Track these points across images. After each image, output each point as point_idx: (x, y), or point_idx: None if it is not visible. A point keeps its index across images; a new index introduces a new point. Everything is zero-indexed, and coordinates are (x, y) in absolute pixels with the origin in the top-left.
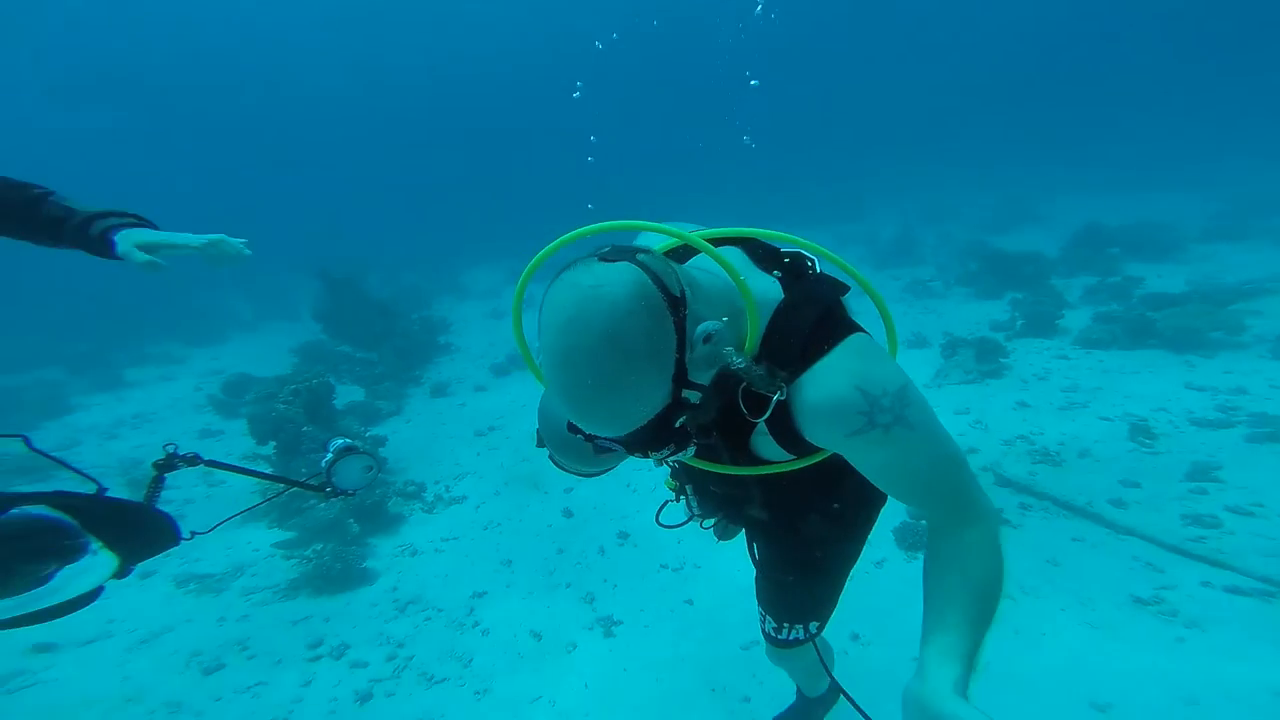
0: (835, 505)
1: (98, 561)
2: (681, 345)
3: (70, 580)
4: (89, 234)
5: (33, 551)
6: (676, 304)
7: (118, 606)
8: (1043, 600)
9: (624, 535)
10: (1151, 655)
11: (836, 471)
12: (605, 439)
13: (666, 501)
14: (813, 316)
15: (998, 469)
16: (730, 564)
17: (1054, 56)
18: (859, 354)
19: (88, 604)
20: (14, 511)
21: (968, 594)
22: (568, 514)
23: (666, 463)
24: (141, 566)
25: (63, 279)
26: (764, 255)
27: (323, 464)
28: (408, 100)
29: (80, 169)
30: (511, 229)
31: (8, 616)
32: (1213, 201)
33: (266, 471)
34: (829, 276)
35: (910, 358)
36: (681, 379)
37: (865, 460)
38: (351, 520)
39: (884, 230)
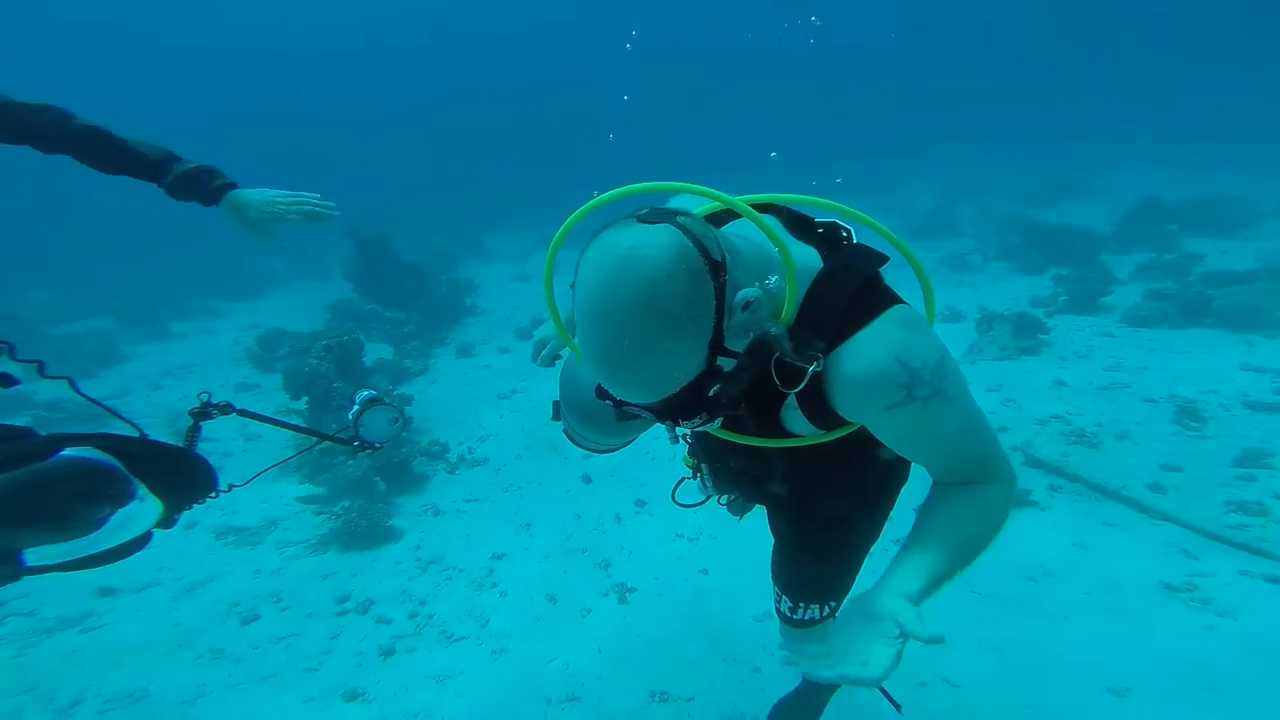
0: (857, 482)
1: (144, 507)
2: (720, 311)
3: (123, 524)
4: (209, 186)
5: (87, 494)
6: (717, 269)
7: (165, 555)
8: (1066, 583)
9: (641, 503)
10: (1177, 642)
11: (861, 447)
12: (635, 406)
13: (683, 478)
14: (852, 287)
15: (1029, 449)
16: (745, 536)
17: (1112, 14)
18: (900, 325)
19: (139, 549)
20: (65, 452)
21: (956, 530)
22: (586, 480)
23: (685, 439)
24: (185, 517)
25: (116, 235)
26: (797, 224)
27: (349, 416)
28: (435, 61)
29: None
30: (537, 194)
31: (73, 558)
32: None
33: (298, 424)
34: (867, 247)
35: (943, 332)
36: (718, 346)
37: (897, 433)
38: (378, 478)
39: (920, 201)
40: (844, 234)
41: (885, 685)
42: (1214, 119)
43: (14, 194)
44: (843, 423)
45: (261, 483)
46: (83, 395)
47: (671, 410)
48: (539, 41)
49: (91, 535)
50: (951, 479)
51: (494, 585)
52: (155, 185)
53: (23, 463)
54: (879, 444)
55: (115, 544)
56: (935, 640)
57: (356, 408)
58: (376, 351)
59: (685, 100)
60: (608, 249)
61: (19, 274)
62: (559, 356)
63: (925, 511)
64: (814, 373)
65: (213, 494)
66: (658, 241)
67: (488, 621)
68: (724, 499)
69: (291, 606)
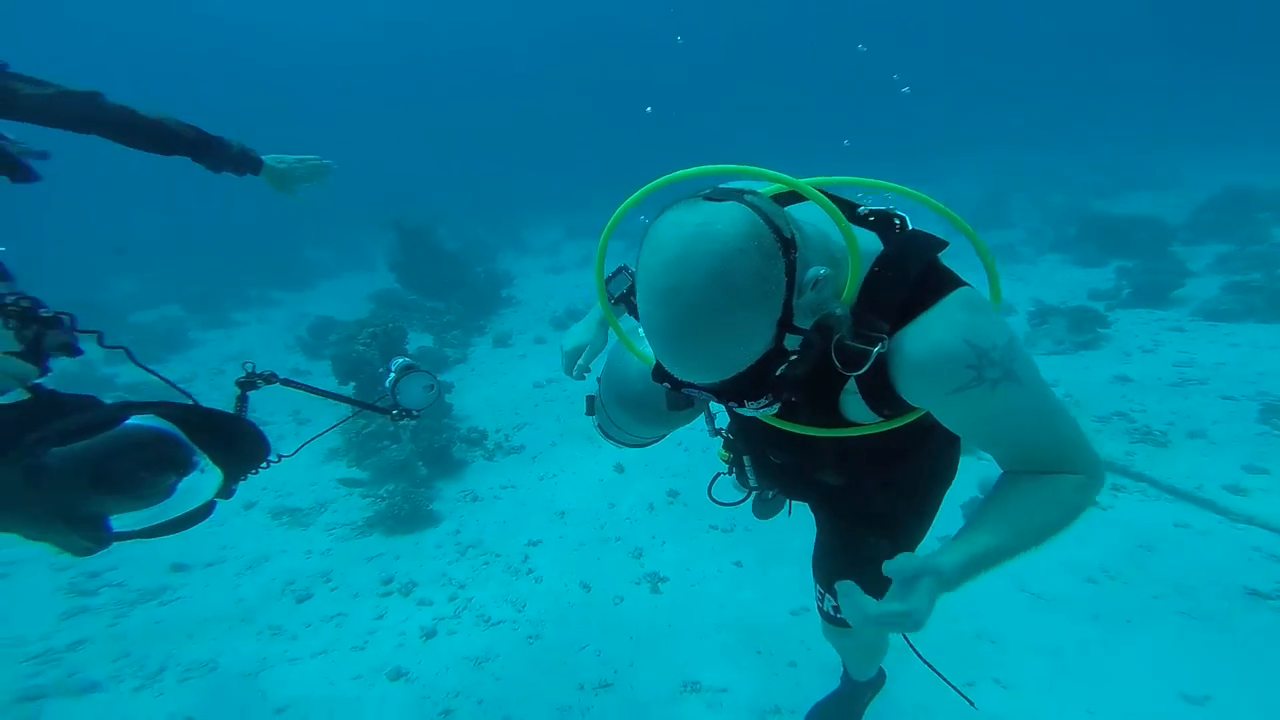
0: (907, 478)
1: (206, 475)
2: (791, 288)
3: (188, 492)
4: (248, 158)
5: (155, 462)
6: (788, 246)
7: (228, 533)
8: (1130, 586)
9: (674, 493)
10: (1265, 649)
11: (916, 441)
12: (697, 387)
13: (719, 474)
14: (917, 269)
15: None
16: (782, 529)
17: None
18: (966, 307)
19: (204, 518)
20: (132, 420)
21: (1015, 512)
22: (619, 469)
23: (724, 433)
24: (243, 496)
25: (181, 229)
26: (846, 209)
27: (386, 384)
28: (471, 52)
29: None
30: (569, 186)
31: (152, 525)
32: None
33: (338, 393)
34: (925, 232)
35: None
36: (787, 323)
37: (966, 417)
38: (420, 463)
39: (968, 191)
40: (897, 220)
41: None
42: None
43: (108, 188)
44: (905, 409)
45: (312, 466)
46: (139, 364)
47: (735, 390)
48: (579, 35)
49: (163, 503)
50: (1024, 468)
51: (529, 571)
52: (191, 159)
53: (93, 431)
54: (931, 438)
55: (183, 512)
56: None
57: (393, 375)
58: (418, 340)
59: (731, 89)
60: (675, 226)
61: (107, 263)
62: (588, 370)
63: (990, 494)
64: (878, 355)
65: (265, 463)
66: (728, 218)
67: (524, 607)
68: (766, 495)
69: (340, 586)
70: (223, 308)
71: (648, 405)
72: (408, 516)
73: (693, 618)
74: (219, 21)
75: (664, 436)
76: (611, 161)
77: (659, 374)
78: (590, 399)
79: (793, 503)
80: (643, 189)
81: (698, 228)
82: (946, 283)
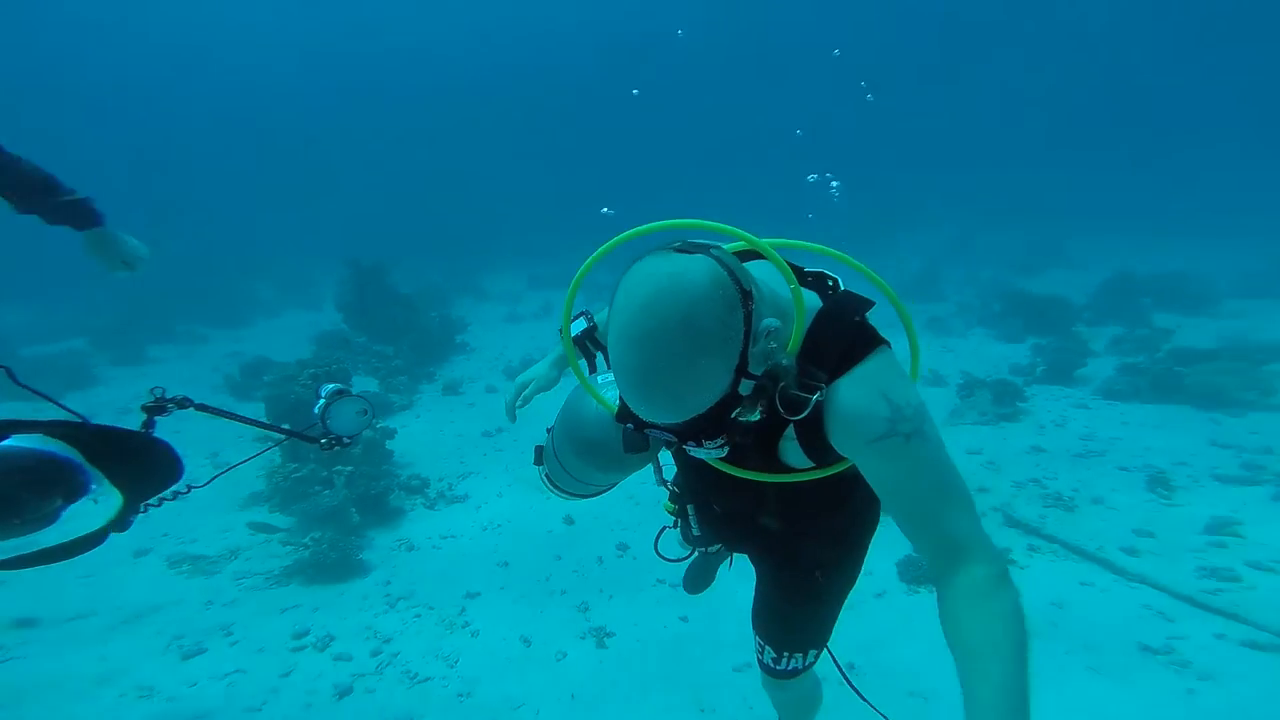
0: (841, 524)
1: (102, 498)
2: (748, 337)
3: (77, 517)
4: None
5: (39, 483)
6: (746, 297)
7: (104, 583)
8: (1047, 642)
9: (623, 547)
10: (1161, 705)
11: (846, 488)
12: (660, 427)
13: (665, 527)
14: (851, 326)
15: (1008, 509)
16: (728, 584)
17: (1094, 94)
18: (888, 366)
19: (94, 546)
20: (11, 440)
21: (1008, 645)
22: (569, 521)
23: (669, 486)
24: (135, 543)
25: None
26: (796, 270)
27: (315, 410)
28: (433, 95)
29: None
30: (531, 237)
31: (15, 555)
32: (1249, 257)
33: (262, 420)
34: (856, 293)
35: (926, 395)
36: (743, 370)
37: (881, 470)
38: (354, 509)
39: (908, 264)
40: (830, 281)
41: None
42: (1180, 199)
43: None
44: (835, 458)
45: (226, 511)
46: (22, 385)
47: (694, 430)
48: (543, 83)
49: (43, 530)
50: (931, 542)
51: (465, 625)
52: (23, 205)
53: None
54: (859, 487)
55: (67, 540)
56: None
57: (322, 401)
58: (362, 384)
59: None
60: (647, 275)
61: None
62: (528, 403)
63: (964, 634)
64: (816, 402)
65: (174, 494)
66: (696, 269)
67: (456, 662)
68: (711, 549)
69: (241, 640)
70: (138, 342)
71: (602, 449)
72: (333, 566)
73: (637, 674)
74: (173, 45)
75: (612, 486)
76: (577, 213)
77: (623, 414)
78: (539, 449)
79: (734, 556)
80: (615, 238)
81: (669, 276)
82: (874, 340)
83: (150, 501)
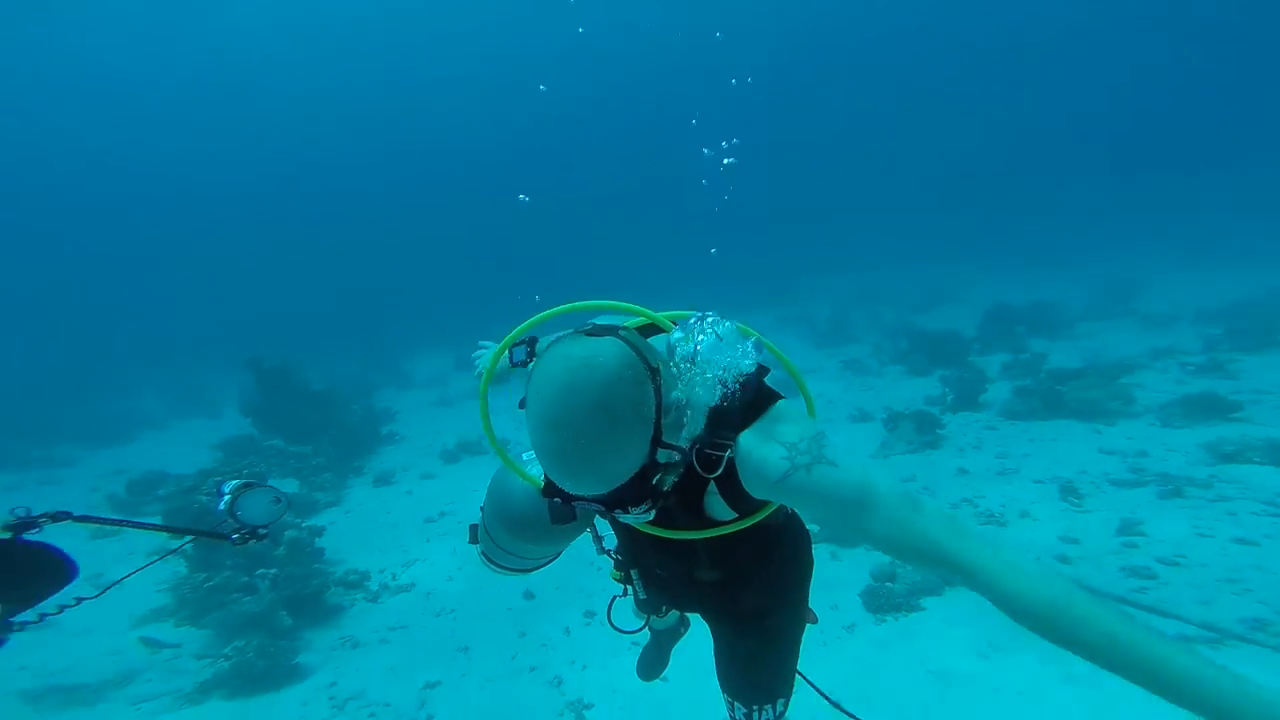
0: (772, 570)
1: None
2: (659, 409)
3: None
4: None
5: None
6: (654, 374)
7: None
8: (1015, 655)
9: (590, 614)
10: (1136, 704)
11: (773, 535)
12: (586, 499)
13: (615, 596)
14: (751, 389)
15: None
16: (704, 639)
17: (964, 151)
18: (779, 416)
19: None
20: None
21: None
22: (529, 595)
23: (611, 555)
24: None
25: None
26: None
27: (221, 506)
28: (346, 181)
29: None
30: (453, 315)
31: None
32: (1083, 284)
33: (157, 523)
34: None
35: (854, 431)
36: (658, 440)
37: (804, 505)
38: (284, 612)
39: (819, 311)
40: None
41: None
42: (1036, 233)
43: None
44: (755, 505)
45: (114, 633)
46: None
47: (620, 499)
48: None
49: None
50: (895, 553)
51: (429, 718)
52: None
53: None
54: (786, 534)
55: None
56: None
57: (227, 497)
58: (282, 486)
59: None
60: (561, 360)
61: None
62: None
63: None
64: (728, 459)
65: (69, 579)
66: (607, 351)
67: None
68: (663, 613)
69: None
70: None
71: (532, 523)
72: (262, 674)
73: None
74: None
75: (554, 558)
76: (499, 284)
77: (549, 489)
78: (473, 528)
79: (685, 630)
80: (523, 324)
81: (582, 360)
82: (770, 397)
83: (47, 610)
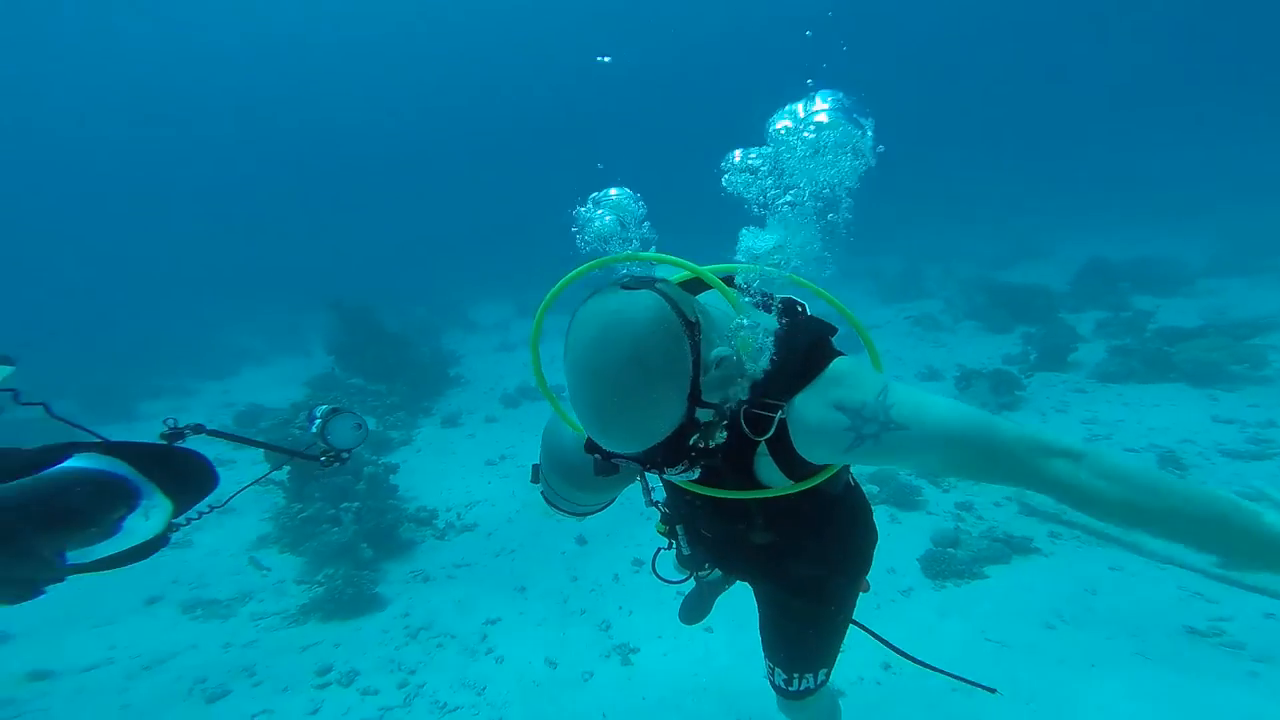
0: (826, 541)
1: (155, 507)
2: (697, 366)
3: (138, 526)
4: None
5: (104, 497)
6: (692, 328)
7: (120, 632)
8: (1085, 630)
9: (639, 562)
10: (1224, 688)
11: (829, 503)
12: (623, 456)
13: (660, 548)
14: (804, 346)
15: (1022, 498)
16: (748, 591)
17: (1045, 94)
18: (837, 376)
19: (157, 550)
20: (76, 458)
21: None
22: (581, 541)
23: (659, 507)
24: (146, 590)
25: (74, 312)
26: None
27: (313, 430)
28: (416, 133)
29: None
30: (517, 264)
31: (104, 557)
32: (1209, 236)
33: (267, 442)
34: (818, 318)
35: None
36: (696, 398)
37: (881, 463)
38: (365, 545)
39: (888, 265)
40: (800, 306)
41: None
42: (1144, 186)
43: None
44: (812, 470)
45: (235, 554)
46: (59, 419)
47: (656, 459)
48: (525, 109)
49: (113, 538)
50: (999, 482)
51: (489, 651)
52: None
53: (27, 472)
54: (844, 501)
55: (134, 544)
56: None
57: (319, 421)
58: None
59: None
60: (595, 313)
61: None
62: None
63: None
64: (780, 421)
65: (215, 486)
66: (640, 304)
67: (484, 690)
68: (704, 573)
69: (265, 681)
70: (127, 399)
71: (581, 472)
72: (349, 601)
73: (666, 688)
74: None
75: (609, 503)
76: (562, 236)
77: (590, 445)
78: (535, 467)
79: (732, 582)
80: (567, 276)
81: (614, 313)
82: (826, 356)
83: (190, 515)
